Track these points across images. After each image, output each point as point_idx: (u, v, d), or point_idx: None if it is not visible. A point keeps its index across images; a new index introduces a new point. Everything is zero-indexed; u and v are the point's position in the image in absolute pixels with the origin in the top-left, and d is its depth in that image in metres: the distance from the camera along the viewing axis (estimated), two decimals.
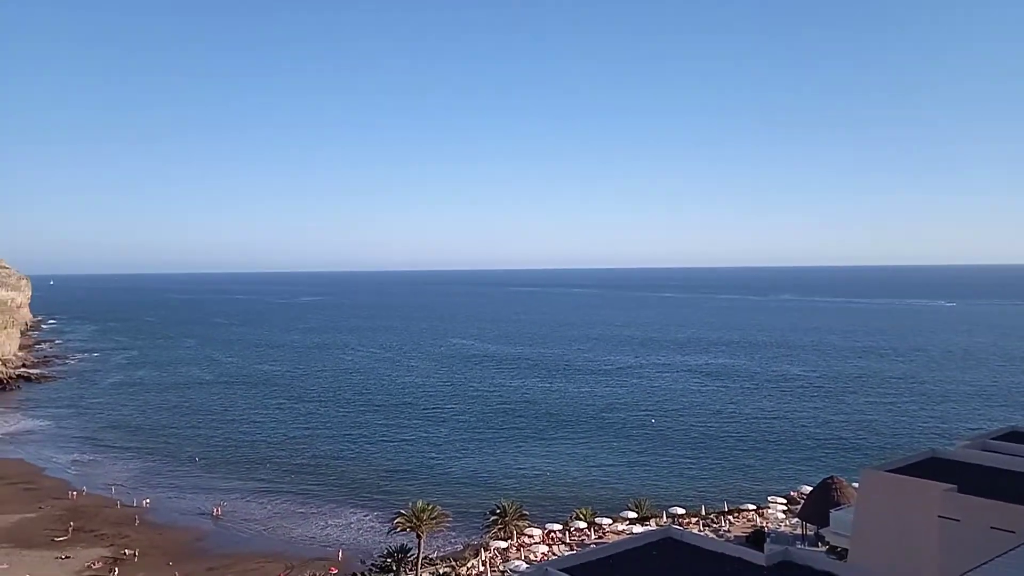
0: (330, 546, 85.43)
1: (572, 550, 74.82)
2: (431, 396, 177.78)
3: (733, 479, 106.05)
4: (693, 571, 25.54)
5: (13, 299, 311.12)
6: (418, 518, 76.39)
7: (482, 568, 74.71)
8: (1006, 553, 22.36)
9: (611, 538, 76.40)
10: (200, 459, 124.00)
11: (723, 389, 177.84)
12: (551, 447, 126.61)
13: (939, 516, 33.06)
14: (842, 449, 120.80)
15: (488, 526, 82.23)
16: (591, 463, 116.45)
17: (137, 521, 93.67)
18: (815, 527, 68.52)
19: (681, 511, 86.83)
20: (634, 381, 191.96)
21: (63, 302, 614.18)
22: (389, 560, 75.09)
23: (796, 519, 76.92)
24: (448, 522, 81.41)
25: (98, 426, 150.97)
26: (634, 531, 72.82)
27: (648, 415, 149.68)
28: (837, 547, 57.90)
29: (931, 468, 38.56)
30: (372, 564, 78.10)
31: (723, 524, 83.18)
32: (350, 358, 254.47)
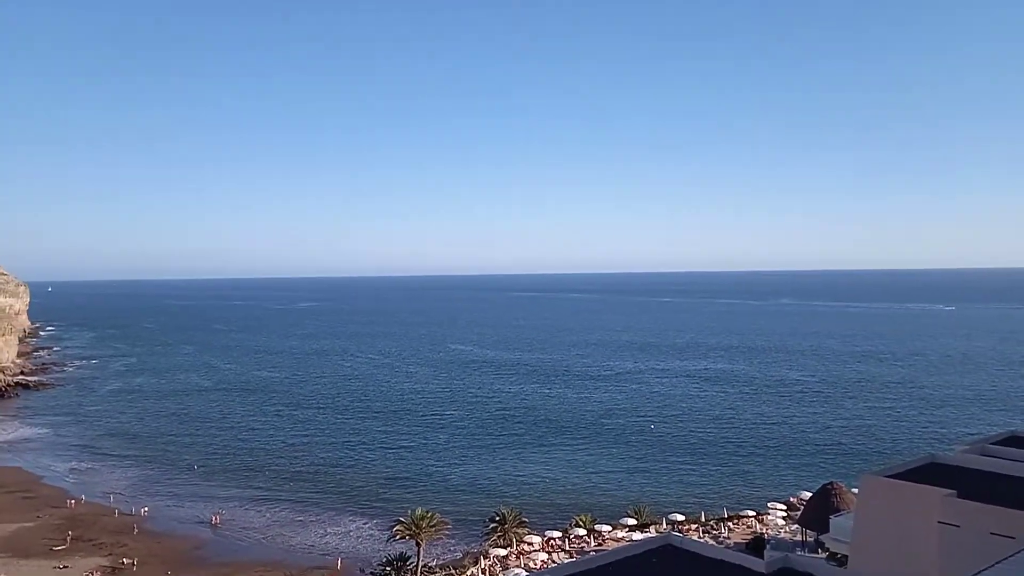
0: (329, 554, 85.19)
1: (572, 557, 74.68)
2: (430, 402, 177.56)
3: (733, 485, 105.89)
4: None
5: (11, 306, 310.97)
6: (417, 526, 76.27)
7: None
8: (1006, 559, 22.32)
9: (611, 545, 76.22)
10: (199, 467, 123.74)
11: (722, 394, 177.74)
12: (550, 454, 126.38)
13: (939, 522, 33.05)
14: (842, 455, 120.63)
15: (487, 533, 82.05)
16: (590, 470, 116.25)
17: (135, 530, 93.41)
18: (815, 533, 68.35)
19: (681, 518, 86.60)
20: (633, 387, 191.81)
21: (61, 309, 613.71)
22: (388, 568, 74.89)
23: (796, 525, 76.75)
24: (447, 530, 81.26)
25: (96, 434, 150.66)
26: (634, 538, 72.73)
27: (647, 421, 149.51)
28: (837, 553, 57.83)
29: (930, 473, 38.54)
30: (371, 572, 77.90)
31: (723, 531, 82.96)
32: (349, 364, 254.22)
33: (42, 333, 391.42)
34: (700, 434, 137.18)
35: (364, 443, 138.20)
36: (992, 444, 43.91)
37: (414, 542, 76.57)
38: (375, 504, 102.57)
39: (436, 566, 78.68)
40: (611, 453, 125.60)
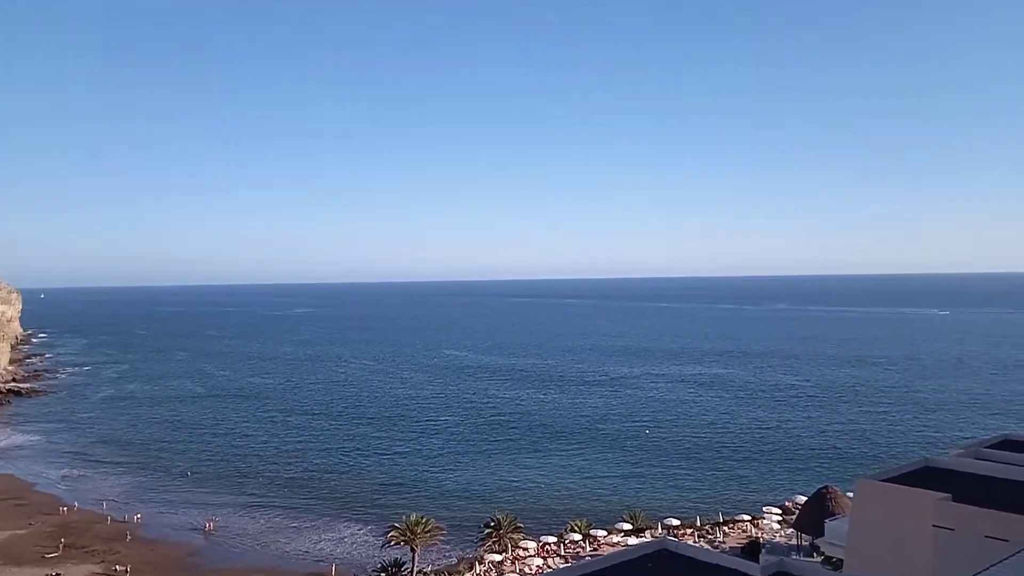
0: (323, 561, 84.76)
1: (567, 563, 74.49)
2: (425, 408, 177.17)
3: (728, 490, 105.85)
4: None
5: (3, 313, 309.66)
6: (412, 532, 76.04)
7: None
8: (1000, 562, 22.33)
9: (606, 550, 76.07)
10: (192, 473, 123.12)
11: (717, 399, 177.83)
12: (545, 459, 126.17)
13: (933, 525, 33.05)
14: (836, 459, 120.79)
15: (483, 539, 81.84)
16: (586, 475, 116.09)
17: (128, 537, 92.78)
18: (810, 537, 68.41)
19: (676, 522, 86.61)
20: (628, 392, 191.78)
21: (54, 315, 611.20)
22: (383, 574, 74.61)
23: (791, 529, 76.81)
24: (442, 535, 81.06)
25: (89, 441, 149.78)
26: (629, 543, 72.55)
27: (642, 426, 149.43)
28: (832, 557, 57.87)
29: (925, 477, 38.56)
30: None
31: (718, 535, 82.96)
32: (343, 370, 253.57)
33: (35, 340, 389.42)
34: (695, 439, 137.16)
35: (358, 449, 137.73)
36: (986, 448, 43.99)
37: (409, 548, 76.31)
38: (370, 510, 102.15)
39: (431, 572, 78.41)
40: (606, 458, 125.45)
